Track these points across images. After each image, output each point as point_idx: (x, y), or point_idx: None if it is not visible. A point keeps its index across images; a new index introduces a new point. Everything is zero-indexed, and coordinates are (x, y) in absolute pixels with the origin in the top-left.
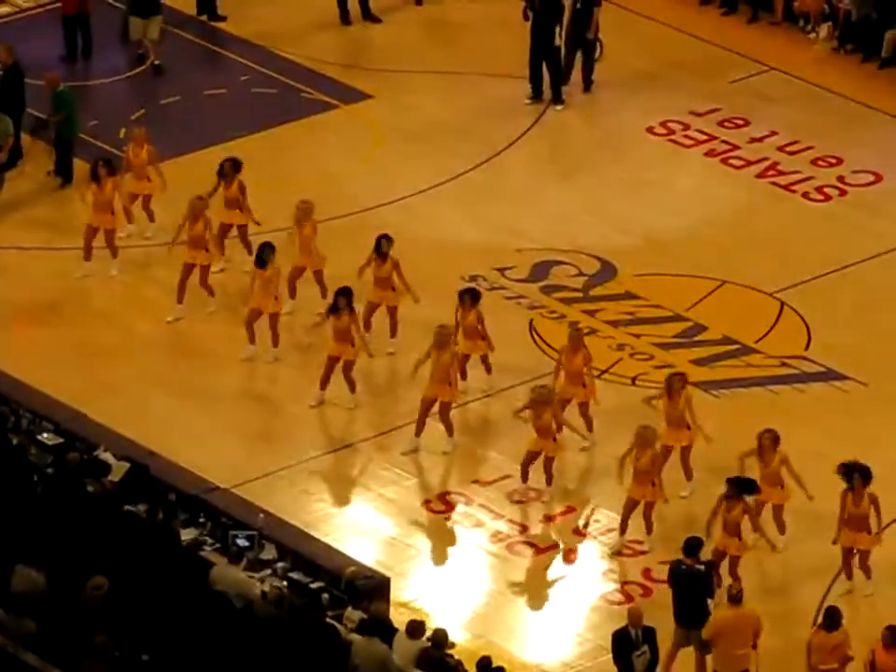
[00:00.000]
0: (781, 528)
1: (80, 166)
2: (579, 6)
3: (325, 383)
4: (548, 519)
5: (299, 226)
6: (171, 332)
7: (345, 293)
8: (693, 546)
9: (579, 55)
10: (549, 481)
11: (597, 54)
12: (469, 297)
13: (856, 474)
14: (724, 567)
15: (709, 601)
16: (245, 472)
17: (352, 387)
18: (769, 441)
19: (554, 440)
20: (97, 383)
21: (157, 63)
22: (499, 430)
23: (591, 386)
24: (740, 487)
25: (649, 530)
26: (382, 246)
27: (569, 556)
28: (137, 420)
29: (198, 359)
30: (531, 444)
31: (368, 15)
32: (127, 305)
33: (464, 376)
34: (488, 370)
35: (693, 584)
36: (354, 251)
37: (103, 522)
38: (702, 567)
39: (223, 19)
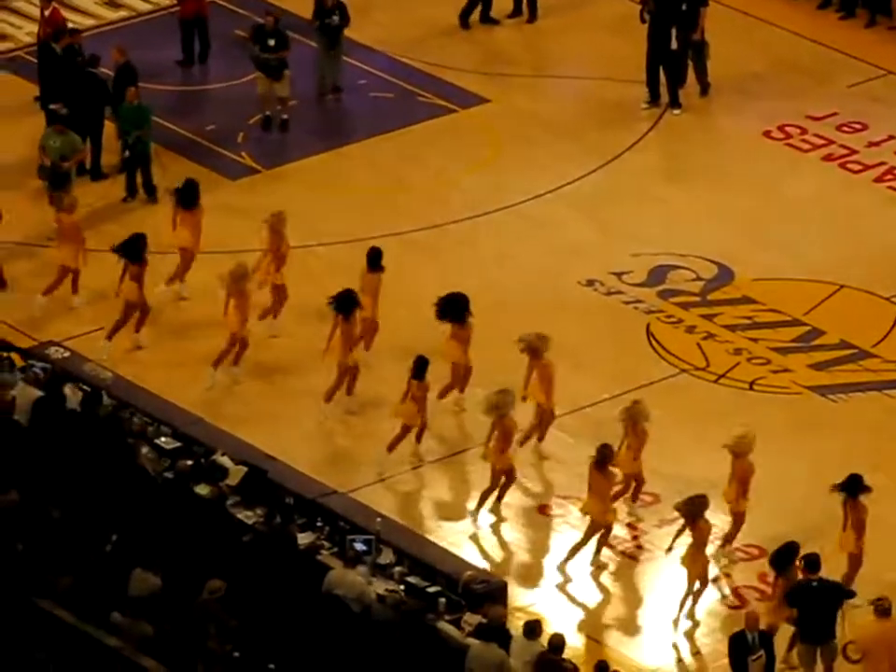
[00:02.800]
0: None
1: (197, 170)
2: (684, 7)
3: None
4: (664, 524)
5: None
6: (290, 335)
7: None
8: (814, 562)
9: (690, 58)
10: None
11: (706, 54)
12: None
13: None
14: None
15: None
16: (362, 477)
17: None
18: None
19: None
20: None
21: (285, 117)
22: (615, 435)
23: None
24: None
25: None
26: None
27: (683, 561)
28: (254, 424)
29: (310, 362)
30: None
31: (487, 18)
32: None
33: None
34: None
35: (826, 599)
36: (470, 257)
37: (218, 526)
38: (834, 580)
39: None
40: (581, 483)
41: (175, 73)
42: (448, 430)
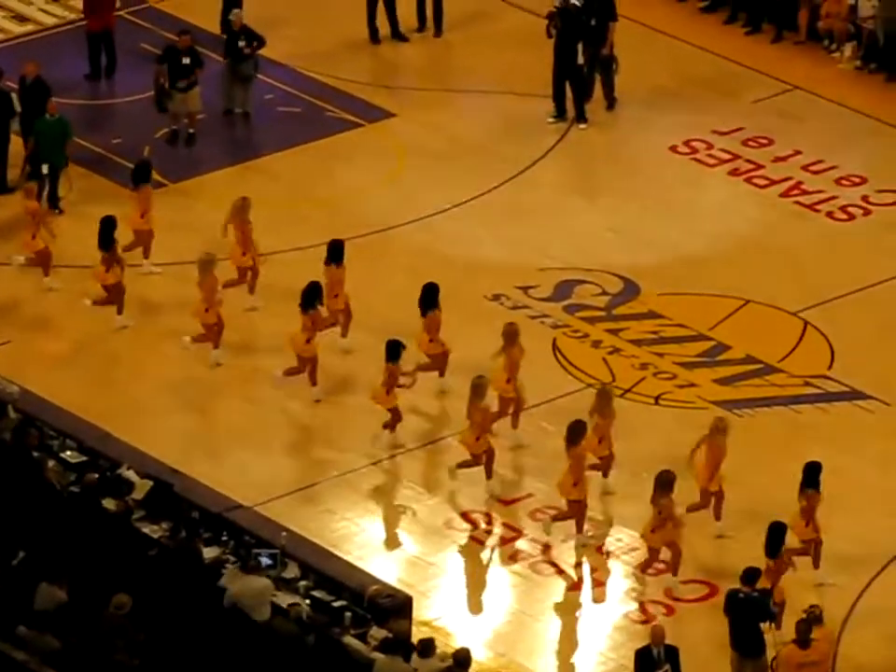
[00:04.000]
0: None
1: (103, 184)
2: (593, 22)
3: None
4: (570, 538)
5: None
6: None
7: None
8: (751, 575)
9: (597, 73)
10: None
11: (614, 69)
12: None
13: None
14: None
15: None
16: (268, 491)
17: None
18: None
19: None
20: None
21: (192, 131)
22: (522, 449)
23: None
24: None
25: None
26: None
27: (591, 575)
28: (160, 439)
29: (225, 377)
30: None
31: (397, 34)
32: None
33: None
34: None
35: (749, 613)
36: (376, 271)
37: (123, 540)
38: (757, 595)
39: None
40: (486, 497)
41: (83, 87)
42: (355, 446)
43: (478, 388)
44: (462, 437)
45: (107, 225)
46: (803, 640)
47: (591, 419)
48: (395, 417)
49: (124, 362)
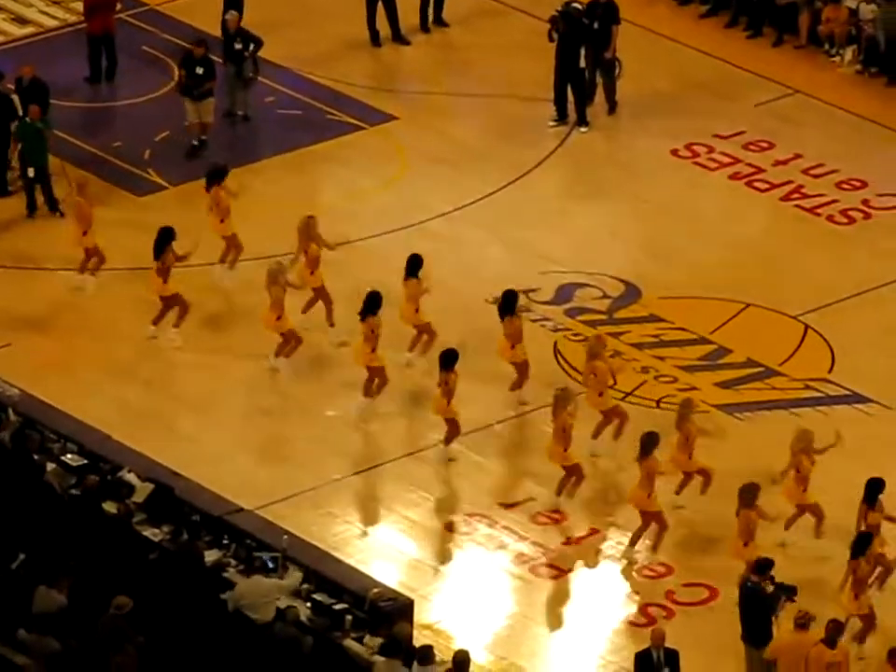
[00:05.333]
0: None
1: (103, 187)
2: (596, 25)
3: None
4: (570, 541)
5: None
6: (197, 353)
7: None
8: (762, 565)
9: (599, 76)
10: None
11: (617, 73)
12: None
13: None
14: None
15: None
16: (270, 494)
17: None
18: None
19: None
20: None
21: (203, 139)
22: (524, 452)
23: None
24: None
25: None
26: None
27: (592, 578)
28: (163, 441)
29: (228, 381)
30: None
31: (398, 37)
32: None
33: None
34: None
35: (756, 603)
36: (378, 274)
37: (124, 543)
38: (766, 586)
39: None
40: (487, 500)
41: (83, 90)
42: (357, 449)
43: (562, 399)
44: (549, 452)
45: (165, 235)
46: (831, 640)
47: (680, 432)
48: (452, 430)
49: (127, 364)
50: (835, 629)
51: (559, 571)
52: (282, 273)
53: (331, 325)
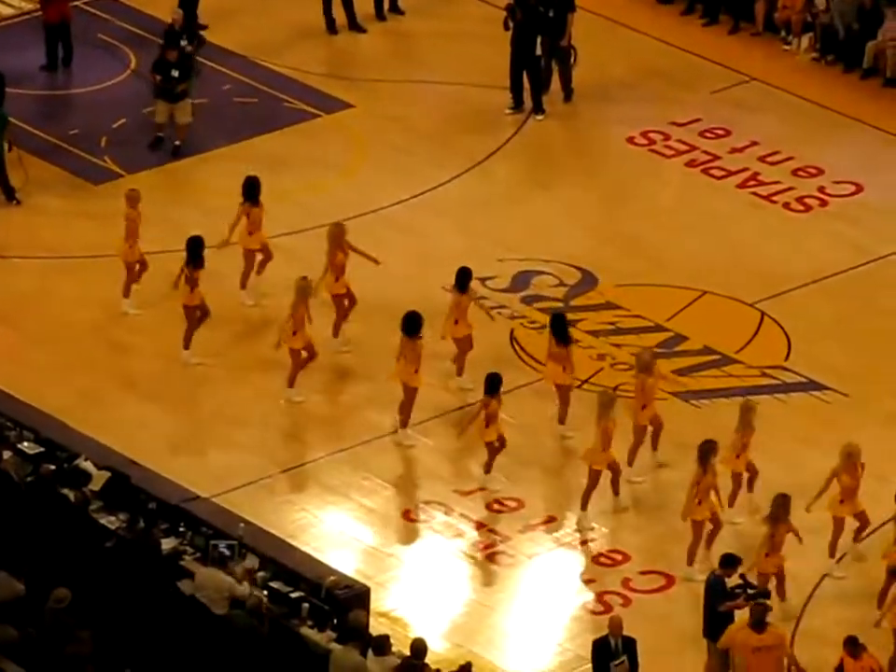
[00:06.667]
0: None
1: (59, 174)
2: (552, 13)
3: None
4: (527, 529)
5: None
6: (153, 341)
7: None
8: (726, 560)
9: (554, 64)
10: None
11: (572, 61)
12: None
13: None
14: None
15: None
16: (227, 482)
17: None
18: None
19: None
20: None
21: (178, 143)
22: (479, 440)
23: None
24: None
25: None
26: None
27: (549, 566)
28: (121, 430)
29: (181, 369)
30: None
31: (354, 25)
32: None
33: None
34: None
35: (716, 596)
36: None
37: (81, 530)
38: (718, 578)
39: (204, 27)
40: (443, 489)
41: (39, 77)
42: (313, 437)
43: (608, 403)
44: (586, 455)
45: (196, 244)
46: (757, 623)
47: (736, 434)
48: (493, 453)
49: (84, 353)
50: (762, 611)
51: (516, 559)
52: (310, 287)
53: (335, 336)
